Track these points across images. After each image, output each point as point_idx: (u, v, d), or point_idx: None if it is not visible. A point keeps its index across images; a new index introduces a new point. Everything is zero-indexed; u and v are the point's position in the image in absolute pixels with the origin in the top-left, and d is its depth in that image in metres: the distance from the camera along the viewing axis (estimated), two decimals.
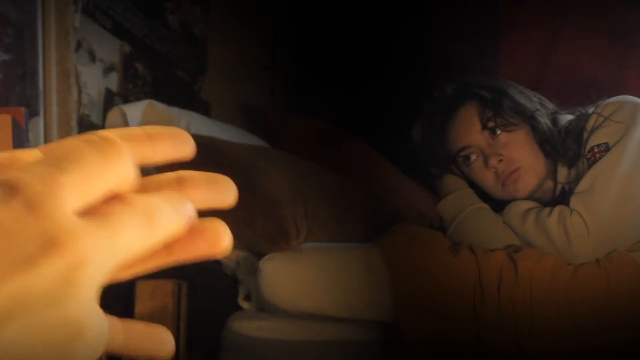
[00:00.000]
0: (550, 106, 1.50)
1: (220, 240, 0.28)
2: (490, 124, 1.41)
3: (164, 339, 0.30)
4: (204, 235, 0.28)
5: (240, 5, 2.22)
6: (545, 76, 2.17)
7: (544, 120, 1.43)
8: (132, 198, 0.25)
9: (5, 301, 0.19)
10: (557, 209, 1.33)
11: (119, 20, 1.62)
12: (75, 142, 0.24)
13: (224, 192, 0.29)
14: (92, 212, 0.23)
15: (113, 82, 1.60)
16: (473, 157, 1.44)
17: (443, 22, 2.32)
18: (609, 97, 1.44)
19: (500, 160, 1.40)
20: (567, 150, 1.42)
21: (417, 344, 1.26)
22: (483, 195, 1.49)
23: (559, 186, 1.44)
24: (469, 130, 1.44)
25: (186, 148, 0.29)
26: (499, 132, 1.41)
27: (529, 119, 1.42)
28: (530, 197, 1.44)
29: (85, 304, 0.21)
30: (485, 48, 2.25)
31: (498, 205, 1.46)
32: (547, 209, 1.35)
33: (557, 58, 2.16)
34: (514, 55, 2.22)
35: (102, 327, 0.22)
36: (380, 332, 1.32)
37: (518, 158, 1.41)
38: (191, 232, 0.27)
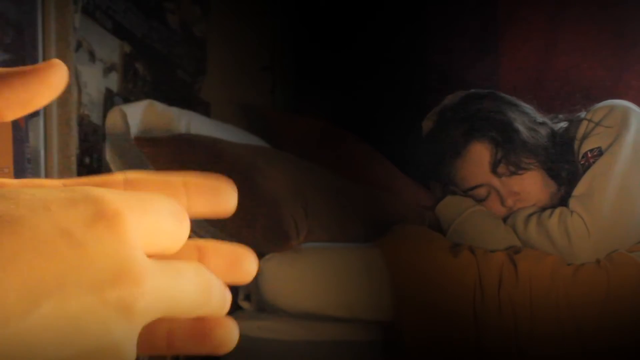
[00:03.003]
0: (549, 124, 1.49)
1: (248, 272, 0.28)
2: (502, 169, 1.40)
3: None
4: (238, 263, 0.28)
5: (240, 5, 2.21)
6: (545, 76, 2.17)
7: (552, 152, 1.42)
8: (195, 263, 0.25)
9: (63, 320, 0.19)
10: (558, 210, 1.34)
11: (119, 20, 1.62)
12: (160, 197, 0.24)
13: (226, 201, 0.29)
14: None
15: (113, 82, 1.60)
16: (487, 196, 1.43)
17: (443, 22, 2.32)
18: (609, 97, 1.45)
19: (518, 199, 1.41)
20: (565, 163, 1.42)
21: (417, 345, 1.26)
22: None
23: (559, 194, 1.45)
24: (481, 170, 1.42)
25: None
26: (515, 172, 1.40)
27: (539, 154, 1.41)
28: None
29: (132, 335, 0.21)
30: (485, 48, 2.25)
31: None
32: (548, 211, 1.36)
33: (557, 58, 2.16)
34: (514, 55, 2.22)
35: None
36: (380, 332, 1.32)
37: (533, 194, 1.41)
38: (226, 255, 0.28)
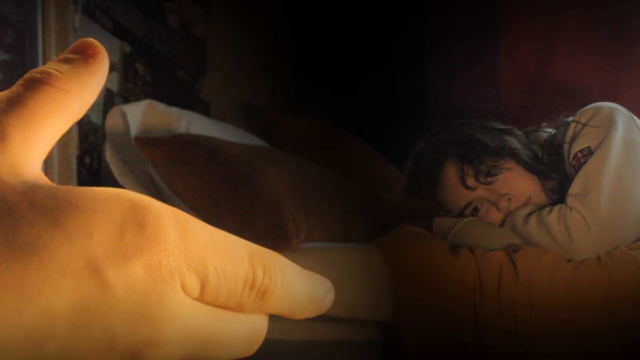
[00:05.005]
0: (519, 132, 1.50)
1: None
2: (476, 180, 1.41)
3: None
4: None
5: (240, 5, 2.22)
6: (545, 76, 2.17)
7: (523, 150, 1.43)
8: None
9: None
10: (557, 207, 1.34)
11: (119, 20, 1.62)
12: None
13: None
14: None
15: (113, 82, 1.61)
16: (479, 208, 1.44)
17: (443, 22, 2.32)
18: (608, 98, 1.46)
19: (509, 199, 1.41)
20: (552, 166, 1.43)
21: (417, 344, 1.26)
22: None
23: (555, 197, 1.45)
24: (460, 190, 1.43)
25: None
26: (489, 179, 1.41)
27: (509, 155, 1.42)
28: None
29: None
30: (485, 49, 2.25)
31: None
32: (547, 208, 1.36)
33: (557, 58, 2.16)
34: (514, 55, 2.22)
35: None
36: (380, 332, 1.32)
37: (523, 189, 1.41)
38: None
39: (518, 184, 1.41)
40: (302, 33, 2.49)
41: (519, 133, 1.49)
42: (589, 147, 1.36)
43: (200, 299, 0.20)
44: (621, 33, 2.09)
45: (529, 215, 1.38)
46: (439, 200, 1.47)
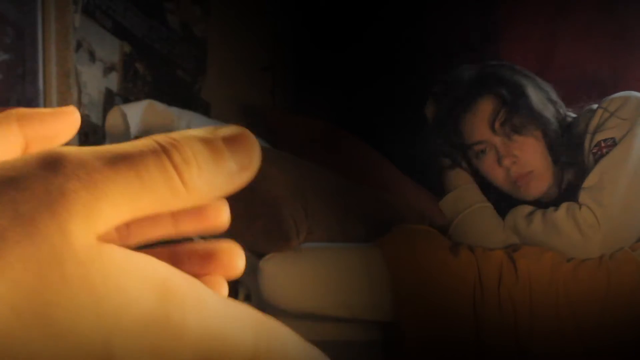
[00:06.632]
0: (563, 108, 1.49)
1: (235, 266, 0.28)
2: (502, 127, 1.40)
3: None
4: (218, 259, 0.27)
5: (240, 5, 2.22)
6: (545, 76, 2.17)
7: (554, 126, 1.43)
8: None
9: None
10: (564, 205, 1.34)
11: (119, 20, 1.62)
12: None
13: (217, 219, 0.28)
14: None
15: (113, 82, 1.61)
16: (486, 151, 1.44)
17: (443, 22, 2.32)
18: (608, 96, 1.45)
19: (514, 162, 1.40)
20: (572, 154, 1.42)
21: (417, 344, 1.26)
22: (486, 187, 1.50)
23: (564, 186, 1.45)
24: (485, 126, 1.43)
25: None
26: (514, 135, 1.40)
27: (542, 125, 1.41)
28: (537, 199, 1.44)
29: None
30: (485, 49, 2.25)
31: (499, 202, 1.47)
32: (551, 208, 1.36)
33: (557, 58, 2.16)
34: (514, 55, 2.22)
35: None
36: (380, 332, 1.32)
37: (531, 161, 1.41)
38: (204, 254, 0.27)
39: (531, 154, 1.41)
40: (302, 33, 2.49)
41: (562, 112, 1.47)
42: (613, 138, 1.35)
43: None
44: (621, 33, 2.09)
45: (531, 214, 1.38)
46: (460, 122, 1.45)
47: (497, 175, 1.44)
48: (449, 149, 1.50)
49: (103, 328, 0.18)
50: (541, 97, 1.45)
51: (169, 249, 0.28)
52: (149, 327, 0.18)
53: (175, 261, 0.27)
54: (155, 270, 0.19)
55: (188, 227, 0.27)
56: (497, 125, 1.40)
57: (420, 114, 1.63)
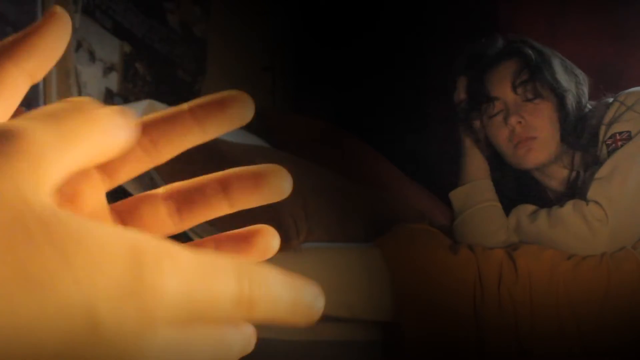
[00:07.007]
0: (586, 90, 1.50)
1: (270, 247, 0.29)
2: (519, 89, 1.41)
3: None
4: (254, 241, 0.28)
5: (240, 5, 2.22)
6: None
7: (572, 103, 1.42)
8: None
9: None
10: (570, 202, 1.33)
11: (119, 20, 1.62)
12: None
13: (274, 186, 0.29)
14: None
15: (113, 82, 1.61)
16: (496, 105, 1.44)
17: (443, 22, 2.32)
18: (609, 97, 1.45)
19: (520, 122, 1.40)
20: (582, 136, 1.42)
21: (417, 344, 1.26)
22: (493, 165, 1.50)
23: (573, 173, 1.44)
24: (503, 84, 1.43)
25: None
26: (530, 97, 1.41)
27: (559, 96, 1.41)
28: (541, 184, 1.45)
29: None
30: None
31: (508, 204, 1.46)
32: (556, 206, 1.35)
33: None
34: None
35: None
36: (380, 332, 1.32)
37: (537, 127, 1.40)
38: (241, 236, 0.28)
39: (540, 120, 1.40)
40: (302, 33, 2.49)
41: (584, 100, 1.46)
42: (629, 131, 1.35)
43: (187, 323, 0.20)
44: (621, 33, 2.09)
45: (535, 212, 1.38)
46: (484, 74, 1.47)
47: (501, 135, 1.43)
48: (476, 111, 1.49)
49: (83, 294, 0.18)
50: (565, 73, 1.45)
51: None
52: (128, 290, 0.19)
53: (216, 243, 0.27)
54: (123, 234, 0.19)
55: (241, 196, 0.27)
56: (517, 84, 1.41)
57: (420, 114, 1.63)
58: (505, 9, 2.25)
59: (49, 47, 0.25)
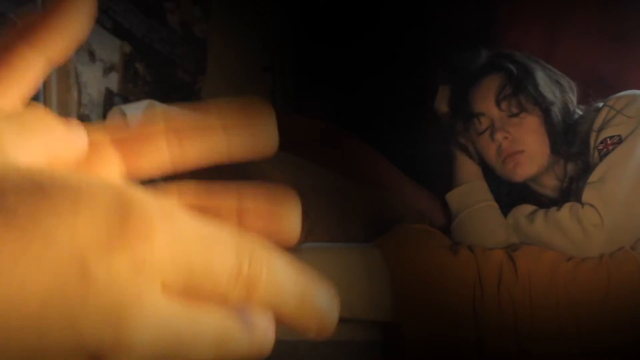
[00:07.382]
0: (574, 97, 1.49)
1: (292, 237, 0.27)
2: (503, 104, 1.41)
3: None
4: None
5: (240, 5, 2.22)
6: None
7: (557, 115, 1.42)
8: None
9: None
10: (567, 204, 1.33)
11: (119, 20, 1.62)
12: None
13: (286, 225, 0.27)
14: None
15: (113, 82, 1.61)
16: (481, 122, 1.44)
17: (443, 22, 2.32)
18: (609, 96, 1.45)
19: (506, 137, 1.40)
20: (572, 145, 1.42)
21: (417, 344, 1.26)
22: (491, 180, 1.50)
23: (566, 183, 1.45)
24: (488, 100, 1.43)
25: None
26: (514, 111, 1.41)
27: (544, 110, 1.41)
28: (536, 193, 1.44)
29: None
30: (485, 47, 2.25)
31: (506, 203, 1.46)
32: (554, 207, 1.35)
33: (557, 58, 2.16)
34: None
35: None
36: (380, 332, 1.32)
37: (524, 141, 1.40)
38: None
39: (526, 134, 1.41)
40: (302, 33, 2.49)
41: (571, 107, 1.46)
42: (619, 135, 1.35)
43: (181, 293, 0.19)
44: (621, 33, 2.09)
45: (533, 213, 1.38)
46: (468, 100, 1.47)
47: (490, 151, 1.44)
48: (462, 127, 1.49)
49: (71, 239, 0.18)
50: (550, 84, 1.45)
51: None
52: (117, 239, 0.18)
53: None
54: (111, 184, 0.19)
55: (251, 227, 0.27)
56: (501, 99, 1.41)
57: (420, 114, 1.63)
58: (506, 9, 2.25)
59: (70, 29, 0.24)
